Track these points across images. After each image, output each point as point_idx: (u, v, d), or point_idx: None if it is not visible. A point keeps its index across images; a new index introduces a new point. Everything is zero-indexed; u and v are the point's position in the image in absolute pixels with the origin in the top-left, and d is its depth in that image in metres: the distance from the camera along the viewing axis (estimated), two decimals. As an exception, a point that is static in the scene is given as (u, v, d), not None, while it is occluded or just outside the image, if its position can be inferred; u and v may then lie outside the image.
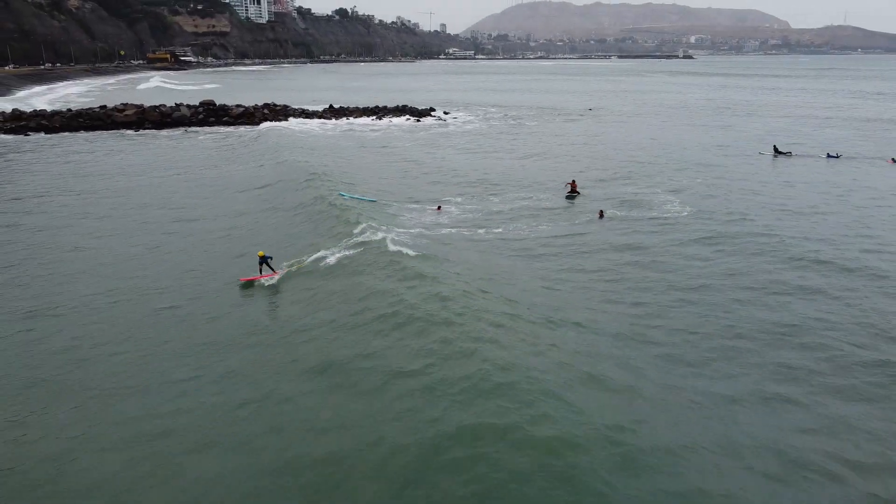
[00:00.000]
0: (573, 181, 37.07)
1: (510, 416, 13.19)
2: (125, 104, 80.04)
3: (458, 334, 16.87)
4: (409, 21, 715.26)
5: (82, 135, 67.91)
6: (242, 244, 27.72)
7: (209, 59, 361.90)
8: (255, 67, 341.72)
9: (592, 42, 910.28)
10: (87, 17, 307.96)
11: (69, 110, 77.24)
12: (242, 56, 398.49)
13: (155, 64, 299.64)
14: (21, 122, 71.24)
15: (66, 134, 68.91)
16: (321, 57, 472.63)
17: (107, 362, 17.44)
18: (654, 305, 20.44)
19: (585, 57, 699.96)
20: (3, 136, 66.47)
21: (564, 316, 19.18)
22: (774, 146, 53.47)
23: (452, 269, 22.82)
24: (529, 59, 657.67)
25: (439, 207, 33.73)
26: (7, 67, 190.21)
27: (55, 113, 75.08)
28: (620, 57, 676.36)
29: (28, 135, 67.17)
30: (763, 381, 15.89)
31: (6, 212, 34.71)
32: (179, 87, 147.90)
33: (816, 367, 16.65)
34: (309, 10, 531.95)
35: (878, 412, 14.70)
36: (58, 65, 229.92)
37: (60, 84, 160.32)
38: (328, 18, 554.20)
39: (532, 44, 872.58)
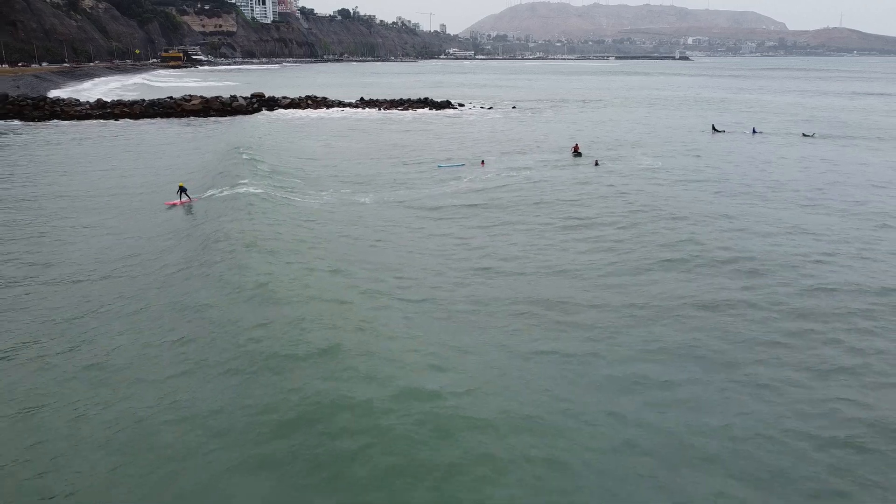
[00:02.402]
0: (576, 144, 51.07)
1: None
2: (191, 95, 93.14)
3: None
4: (410, 21, 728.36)
5: (161, 120, 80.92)
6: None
7: (219, 58, 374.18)
8: (262, 66, 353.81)
9: (591, 43, 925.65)
10: (102, 16, 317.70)
11: (143, 100, 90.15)
12: (249, 55, 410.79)
13: (168, 62, 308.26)
14: (106, 110, 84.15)
15: (146, 120, 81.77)
16: (324, 56, 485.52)
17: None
18: (626, 211, 33.67)
19: (584, 58, 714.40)
20: (98, 119, 79.47)
21: (575, 213, 32.43)
22: (713, 125, 69.12)
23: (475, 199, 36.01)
24: (528, 59, 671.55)
25: (483, 162, 47.04)
26: (44, 64, 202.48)
27: (133, 102, 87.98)
28: (618, 58, 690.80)
29: (117, 120, 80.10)
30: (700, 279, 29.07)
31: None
32: (165, 84, 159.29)
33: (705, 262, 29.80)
34: (312, 10, 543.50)
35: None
36: (83, 63, 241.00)
37: (99, 80, 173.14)
38: (331, 19, 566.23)
39: (531, 44, 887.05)
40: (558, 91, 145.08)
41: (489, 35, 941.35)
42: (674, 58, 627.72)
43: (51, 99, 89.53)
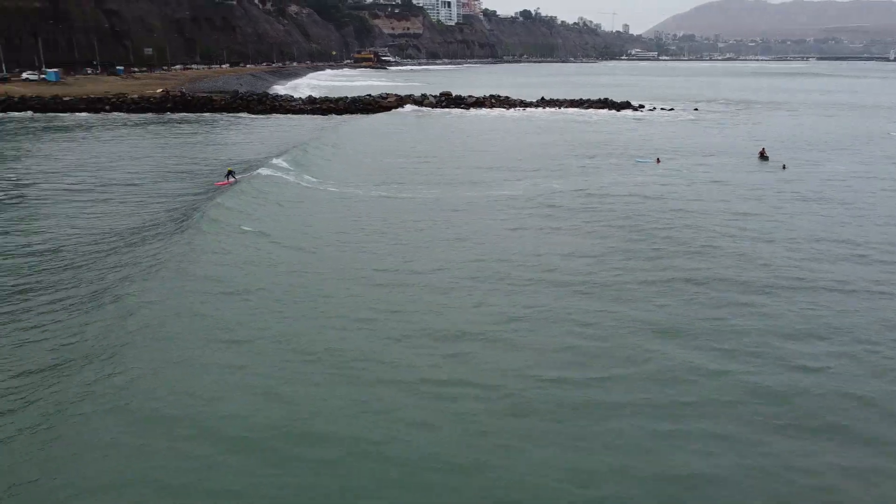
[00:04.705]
0: (763, 148, 51.13)
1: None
2: (387, 94, 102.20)
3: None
4: (591, 22, 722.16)
5: (362, 115, 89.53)
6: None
7: (406, 59, 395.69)
8: (444, 66, 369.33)
9: (789, 43, 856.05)
10: (305, 21, 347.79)
11: (346, 97, 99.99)
12: (433, 56, 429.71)
13: (360, 63, 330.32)
14: (315, 105, 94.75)
15: (348, 115, 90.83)
16: (504, 57, 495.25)
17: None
18: (810, 203, 34.13)
19: (780, 59, 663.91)
20: (309, 114, 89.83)
21: (769, 210, 33.77)
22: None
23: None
24: (717, 60, 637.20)
25: (658, 160, 48.73)
26: (264, 65, 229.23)
27: (338, 99, 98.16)
28: (821, 59, 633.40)
29: (325, 115, 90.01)
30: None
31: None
32: (362, 83, 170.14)
33: None
34: (494, 11, 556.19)
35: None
36: (288, 63, 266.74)
37: (304, 78, 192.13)
38: (512, 20, 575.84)
39: (720, 45, 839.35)
40: (746, 93, 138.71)
41: (674, 35, 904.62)
42: (888, 59, 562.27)
43: (271, 95, 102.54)
